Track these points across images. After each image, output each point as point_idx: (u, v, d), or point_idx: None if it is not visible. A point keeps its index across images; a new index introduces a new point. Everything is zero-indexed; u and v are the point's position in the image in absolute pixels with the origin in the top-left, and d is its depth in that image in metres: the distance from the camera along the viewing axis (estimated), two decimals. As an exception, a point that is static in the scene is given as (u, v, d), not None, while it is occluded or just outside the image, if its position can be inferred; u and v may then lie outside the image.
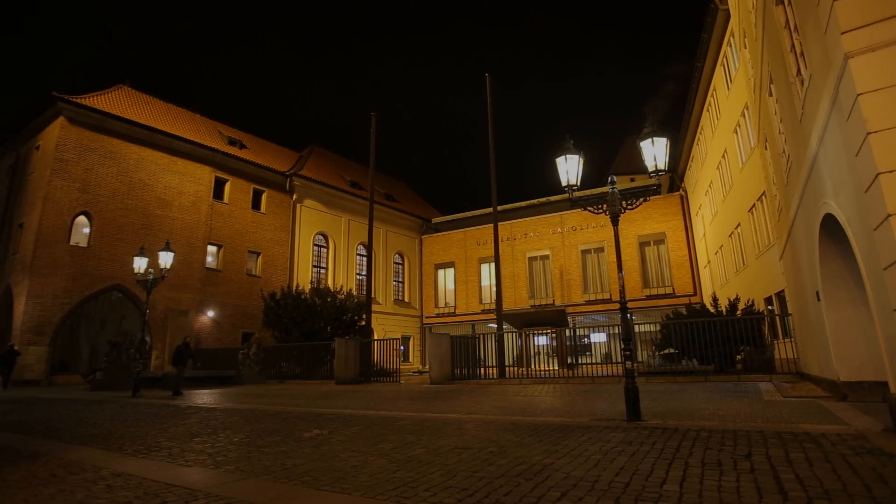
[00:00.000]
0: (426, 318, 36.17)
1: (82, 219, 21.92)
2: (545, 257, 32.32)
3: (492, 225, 21.10)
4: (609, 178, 6.85)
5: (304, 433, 5.99)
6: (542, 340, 23.88)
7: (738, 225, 18.56)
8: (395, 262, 37.04)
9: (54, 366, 20.38)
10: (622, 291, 6.50)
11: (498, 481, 3.33)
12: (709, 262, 25.35)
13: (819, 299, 7.49)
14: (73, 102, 21.84)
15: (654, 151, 6.35)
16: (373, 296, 25.09)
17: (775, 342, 14.41)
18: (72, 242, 21.29)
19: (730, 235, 20.05)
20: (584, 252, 31.05)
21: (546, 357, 22.55)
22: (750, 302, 15.71)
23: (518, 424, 6.02)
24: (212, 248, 26.23)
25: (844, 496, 2.67)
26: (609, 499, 2.82)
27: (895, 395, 4.40)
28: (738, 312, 14.91)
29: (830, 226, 6.08)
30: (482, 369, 16.97)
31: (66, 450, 5.33)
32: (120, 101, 25.11)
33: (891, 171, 3.69)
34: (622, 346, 6.34)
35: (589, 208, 6.87)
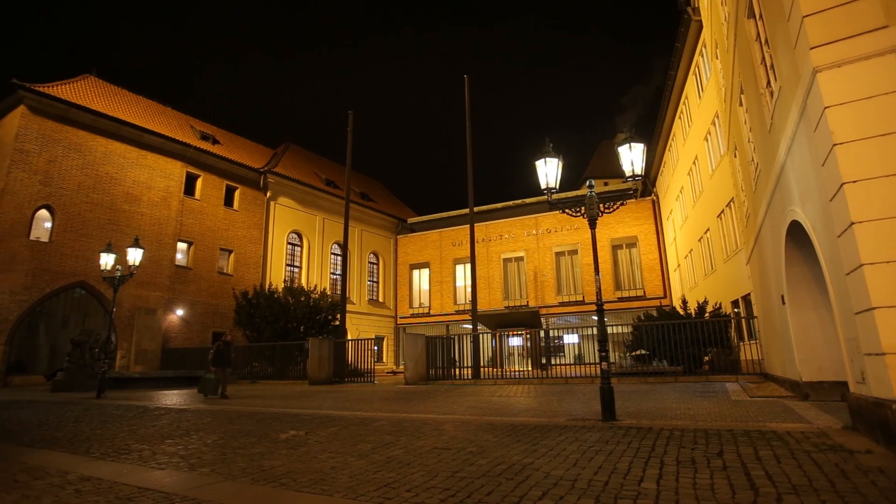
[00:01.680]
0: (400, 318, 35.81)
1: (44, 212, 21.02)
2: (520, 259, 32.49)
3: (467, 226, 21.21)
4: (587, 182, 6.97)
5: (279, 434, 5.90)
6: (515, 341, 24.11)
7: (708, 230, 19.12)
8: (370, 262, 36.73)
9: (11, 366, 19.47)
10: (598, 293, 6.62)
11: (479, 481, 3.36)
12: (679, 265, 26.03)
13: (784, 303, 7.79)
14: (35, 91, 20.94)
15: (632, 157, 6.49)
16: (347, 295, 24.60)
17: (741, 344, 14.90)
18: (32, 237, 20.40)
19: (699, 240, 20.65)
20: (558, 254, 31.33)
21: (520, 358, 22.76)
22: (717, 305, 16.21)
23: (496, 425, 6.07)
24: (182, 245, 25.51)
25: (811, 491, 2.79)
26: (589, 497, 2.87)
27: (854, 395, 4.61)
28: (706, 315, 15.37)
29: (796, 232, 6.33)
30: (457, 370, 17.01)
31: (27, 453, 5.12)
32: (86, 92, 24.19)
33: (855, 181, 3.87)
34: (598, 347, 6.45)
35: (567, 211, 6.97)
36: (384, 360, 34.45)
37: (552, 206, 7.11)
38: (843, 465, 3.37)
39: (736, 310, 16.67)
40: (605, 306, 24.33)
